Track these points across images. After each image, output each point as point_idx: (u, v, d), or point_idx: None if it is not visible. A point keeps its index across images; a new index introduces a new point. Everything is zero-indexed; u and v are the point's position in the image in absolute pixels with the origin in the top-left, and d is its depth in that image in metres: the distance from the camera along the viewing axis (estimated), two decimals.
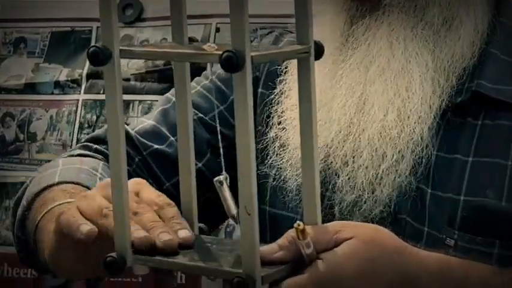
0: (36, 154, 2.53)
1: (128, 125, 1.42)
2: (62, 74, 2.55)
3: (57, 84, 2.55)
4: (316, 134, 0.96)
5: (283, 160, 1.35)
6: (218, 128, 1.15)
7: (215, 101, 1.45)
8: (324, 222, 1.18)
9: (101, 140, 1.47)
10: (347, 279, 0.96)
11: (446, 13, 1.31)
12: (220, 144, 1.18)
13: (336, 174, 1.29)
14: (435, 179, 1.28)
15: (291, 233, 0.95)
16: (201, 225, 1.08)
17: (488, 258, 1.22)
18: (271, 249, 0.95)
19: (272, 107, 1.43)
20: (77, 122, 2.51)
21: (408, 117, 1.27)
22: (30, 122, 2.55)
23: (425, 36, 1.31)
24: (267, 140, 1.41)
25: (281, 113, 1.39)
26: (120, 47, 0.93)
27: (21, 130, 2.56)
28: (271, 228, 1.36)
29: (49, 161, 2.48)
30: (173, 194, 1.22)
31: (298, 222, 0.94)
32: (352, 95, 1.30)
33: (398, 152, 1.27)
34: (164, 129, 1.44)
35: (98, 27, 2.55)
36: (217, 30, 2.46)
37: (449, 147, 1.28)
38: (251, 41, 2.51)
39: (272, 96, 1.44)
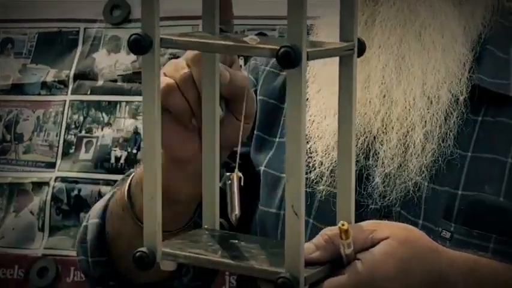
0: (23, 155, 2.50)
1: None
2: (49, 74, 2.52)
3: (44, 85, 2.51)
4: (354, 133, 0.95)
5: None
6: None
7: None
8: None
9: None
10: (385, 279, 0.95)
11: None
12: (239, 144, 1.17)
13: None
14: (432, 173, 1.28)
15: (327, 231, 0.95)
16: (221, 220, 1.06)
17: (484, 252, 1.22)
18: (307, 248, 0.93)
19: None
20: (64, 122, 2.47)
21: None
22: (17, 123, 2.52)
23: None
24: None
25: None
26: (161, 36, 0.90)
27: (7, 131, 2.53)
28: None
29: (36, 161, 2.49)
30: None
31: (342, 222, 0.93)
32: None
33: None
34: None
35: (85, 28, 2.53)
36: None
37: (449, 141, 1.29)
38: None
39: (273, 102, 1.45)
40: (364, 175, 1.28)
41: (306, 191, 1.29)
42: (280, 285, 0.86)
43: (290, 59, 0.81)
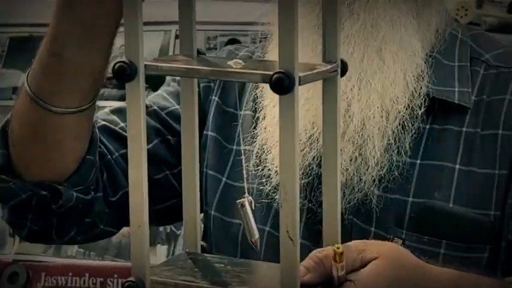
0: None
1: None
2: (21, 79, 2.52)
3: (15, 90, 2.51)
4: (339, 152, 0.93)
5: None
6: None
7: (173, 101, 1.44)
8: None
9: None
10: None
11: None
12: (243, 163, 1.22)
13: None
14: (385, 182, 1.28)
15: (317, 254, 0.94)
16: (202, 243, 1.05)
17: (434, 257, 1.22)
18: None
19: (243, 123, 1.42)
20: None
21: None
22: None
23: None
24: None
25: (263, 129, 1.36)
26: (146, 63, 0.87)
27: None
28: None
29: None
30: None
31: (337, 245, 0.92)
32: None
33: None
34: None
35: None
36: (177, 36, 2.45)
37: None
38: (215, 49, 2.47)
39: (230, 110, 1.44)
40: (316, 184, 1.27)
41: (263, 201, 1.31)
42: None
43: (283, 86, 0.79)
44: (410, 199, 1.28)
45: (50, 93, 1.22)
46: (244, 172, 1.32)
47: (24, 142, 1.26)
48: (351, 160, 1.26)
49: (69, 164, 1.27)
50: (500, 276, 1.21)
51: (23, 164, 1.27)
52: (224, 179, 1.41)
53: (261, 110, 1.36)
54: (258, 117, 1.39)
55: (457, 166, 1.29)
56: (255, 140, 1.38)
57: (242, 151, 1.38)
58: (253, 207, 1.01)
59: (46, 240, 1.40)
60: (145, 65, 0.87)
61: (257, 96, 1.40)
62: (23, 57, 2.55)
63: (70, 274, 2.39)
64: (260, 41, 2.17)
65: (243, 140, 1.40)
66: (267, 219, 1.33)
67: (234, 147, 1.42)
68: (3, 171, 1.27)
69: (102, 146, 1.36)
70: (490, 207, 1.27)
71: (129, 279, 0.89)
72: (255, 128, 1.40)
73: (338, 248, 0.91)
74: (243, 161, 1.35)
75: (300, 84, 0.81)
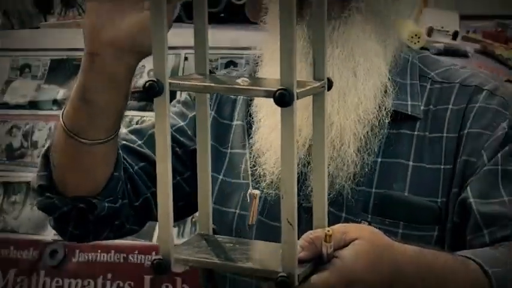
0: (37, 158, 2.45)
1: None
2: (59, 93, 2.51)
3: (55, 102, 2.51)
4: (326, 157, 0.93)
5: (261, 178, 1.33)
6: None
7: (179, 120, 1.43)
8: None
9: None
10: (360, 272, 0.94)
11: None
12: (248, 163, 1.21)
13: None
14: (356, 176, 1.27)
15: (310, 235, 0.92)
16: (213, 226, 1.02)
17: (394, 236, 1.21)
18: None
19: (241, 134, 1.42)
20: None
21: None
22: (33, 133, 2.50)
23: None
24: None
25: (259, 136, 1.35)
26: (170, 80, 0.86)
27: (25, 139, 2.51)
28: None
29: None
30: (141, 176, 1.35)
31: (327, 228, 0.92)
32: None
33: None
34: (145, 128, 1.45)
35: None
36: (186, 59, 2.45)
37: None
38: (216, 69, 2.42)
39: (224, 122, 1.44)
40: (302, 179, 1.26)
41: (260, 195, 1.28)
42: (280, 283, 0.85)
43: (285, 100, 0.79)
44: (374, 190, 1.28)
45: (81, 129, 1.21)
46: (249, 171, 1.34)
47: (63, 167, 1.26)
48: (331, 159, 1.25)
49: (100, 182, 1.27)
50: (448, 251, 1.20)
51: (63, 183, 1.27)
52: (221, 177, 1.40)
53: (257, 121, 1.35)
54: (248, 127, 1.39)
55: (410, 163, 1.29)
56: (249, 144, 1.37)
57: (235, 154, 1.40)
58: (259, 199, 1.01)
59: (85, 240, 1.40)
60: (170, 83, 0.86)
61: (247, 110, 1.40)
62: (61, 75, 2.55)
63: (99, 251, 2.37)
64: (248, 63, 2.16)
65: (236, 145, 1.41)
66: (264, 210, 1.32)
67: (228, 150, 1.42)
68: (47, 190, 1.28)
69: (125, 162, 1.35)
70: (437, 195, 1.27)
71: (157, 256, 0.89)
72: (245, 134, 1.40)
73: (328, 231, 0.91)
74: (244, 161, 1.37)
75: (297, 99, 0.81)
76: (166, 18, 0.86)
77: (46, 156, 1.28)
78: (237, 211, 1.36)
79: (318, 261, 0.93)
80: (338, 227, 0.97)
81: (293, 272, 0.86)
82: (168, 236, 0.90)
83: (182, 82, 0.90)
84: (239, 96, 1.44)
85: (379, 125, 1.28)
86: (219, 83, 0.91)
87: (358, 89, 1.27)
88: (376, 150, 1.28)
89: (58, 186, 1.27)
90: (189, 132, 1.42)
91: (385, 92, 1.29)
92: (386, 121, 1.28)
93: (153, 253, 2.28)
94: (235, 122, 1.43)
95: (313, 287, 0.91)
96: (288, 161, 0.84)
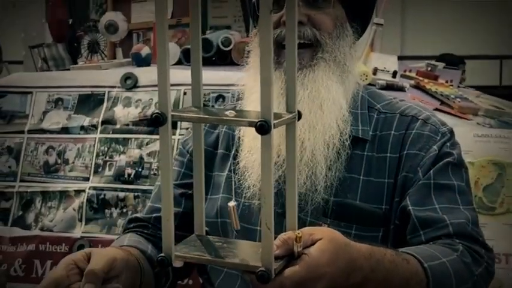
0: (68, 172, 2.48)
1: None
2: (86, 121, 2.49)
3: (82, 127, 2.49)
4: (297, 173, 0.92)
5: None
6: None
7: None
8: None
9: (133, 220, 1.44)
10: (324, 265, 0.93)
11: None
12: (233, 180, 1.16)
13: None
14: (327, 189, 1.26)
15: (283, 236, 0.92)
16: (206, 228, 1.00)
17: (348, 236, 1.22)
18: None
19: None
20: (95, 152, 2.45)
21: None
22: (64, 152, 2.49)
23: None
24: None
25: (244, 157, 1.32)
26: (172, 113, 0.85)
27: (58, 157, 2.50)
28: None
29: (76, 177, 2.45)
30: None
31: (298, 231, 0.92)
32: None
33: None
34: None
35: (108, 92, 2.51)
36: (185, 93, 2.41)
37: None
38: (209, 101, 2.39)
39: (210, 149, 1.41)
40: (279, 193, 1.22)
41: (245, 204, 1.28)
42: (260, 276, 0.85)
43: (264, 129, 0.79)
44: (332, 198, 1.25)
45: None
46: (233, 186, 1.31)
47: None
48: (307, 178, 1.23)
49: None
50: None
51: None
52: (208, 197, 1.37)
53: (242, 145, 1.32)
54: (229, 154, 1.37)
55: (361, 177, 1.27)
56: (233, 165, 1.35)
57: (218, 175, 1.37)
58: (237, 208, 1.02)
59: None
60: (172, 115, 0.85)
61: (230, 141, 1.39)
62: (87, 107, 2.53)
63: None
64: (233, 97, 2.17)
65: (218, 168, 1.39)
66: (245, 216, 1.31)
67: (213, 173, 1.39)
68: None
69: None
70: (382, 203, 1.26)
71: (161, 255, 0.88)
72: (227, 160, 1.38)
73: (299, 233, 0.92)
74: (225, 179, 1.35)
75: (274, 128, 0.80)
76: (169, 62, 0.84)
77: None
78: (219, 219, 1.34)
79: (290, 257, 0.93)
80: (306, 230, 0.96)
81: (270, 267, 0.85)
82: (170, 238, 0.89)
83: (181, 114, 0.89)
84: (222, 129, 1.42)
85: (342, 147, 1.26)
86: (211, 115, 0.90)
87: (324, 120, 1.25)
88: (341, 167, 1.26)
89: None
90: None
91: (347, 121, 1.27)
92: (347, 143, 1.26)
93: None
94: (219, 151, 1.40)
95: (286, 278, 0.90)
96: (266, 177, 0.82)
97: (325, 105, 1.25)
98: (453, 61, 4.75)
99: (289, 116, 0.88)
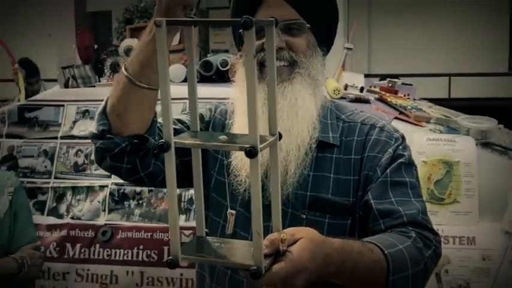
0: (94, 171, 2.46)
1: None
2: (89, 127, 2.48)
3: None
4: (279, 186, 0.90)
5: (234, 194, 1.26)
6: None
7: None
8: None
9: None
10: (304, 261, 0.92)
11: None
12: (227, 187, 1.12)
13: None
14: (297, 184, 1.24)
15: (270, 237, 0.90)
16: (206, 230, 0.98)
17: (322, 224, 1.21)
18: None
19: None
20: None
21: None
22: (91, 154, 2.45)
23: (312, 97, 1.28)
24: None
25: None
26: (175, 140, 0.84)
27: (86, 158, 2.47)
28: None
29: (101, 175, 2.42)
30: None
31: (282, 233, 0.90)
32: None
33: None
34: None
35: None
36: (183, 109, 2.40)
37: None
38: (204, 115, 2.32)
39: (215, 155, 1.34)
40: (266, 186, 1.19)
41: (241, 210, 1.23)
42: (253, 273, 0.84)
43: (252, 154, 0.77)
44: (309, 193, 1.24)
45: (140, 76, 1.16)
46: (228, 194, 1.27)
47: (121, 111, 1.18)
48: (280, 174, 1.21)
49: (146, 123, 1.20)
50: (358, 237, 1.19)
51: (120, 125, 1.19)
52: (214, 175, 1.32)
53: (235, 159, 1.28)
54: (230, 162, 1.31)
55: (332, 175, 1.26)
56: (232, 171, 1.29)
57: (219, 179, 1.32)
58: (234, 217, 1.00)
59: (136, 173, 1.27)
60: (174, 142, 0.84)
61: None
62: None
63: (134, 230, 2.33)
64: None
65: (220, 173, 1.32)
66: (241, 222, 1.26)
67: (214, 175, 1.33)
68: (107, 133, 1.20)
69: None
70: (349, 196, 1.24)
71: (170, 257, 0.87)
72: (224, 168, 1.31)
73: (283, 236, 0.90)
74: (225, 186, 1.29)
75: (260, 151, 0.79)
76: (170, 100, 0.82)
77: (103, 111, 1.21)
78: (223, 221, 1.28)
79: (276, 255, 0.91)
80: (289, 230, 0.94)
81: (261, 266, 0.84)
82: (176, 243, 0.87)
83: (182, 141, 0.86)
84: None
85: (309, 149, 1.24)
86: (207, 141, 0.88)
87: (298, 125, 1.24)
88: (309, 166, 1.25)
89: (115, 129, 1.19)
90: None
91: (316, 128, 1.26)
92: (314, 146, 1.25)
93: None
94: (220, 157, 1.34)
95: (274, 274, 0.89)
96: (255, 193, 0.81)
97: (300, 113, 1.24)
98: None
99: (272, 138, 0.86)
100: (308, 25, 1.26)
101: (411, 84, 3.20)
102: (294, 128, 1.23)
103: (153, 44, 1.10)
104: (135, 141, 1.20)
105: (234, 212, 0.99)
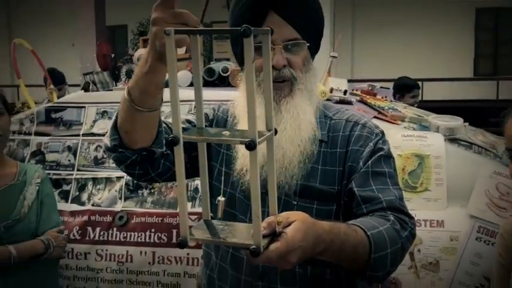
0: (111, 164, 2.44)
1: None
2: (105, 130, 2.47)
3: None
4: (275, 175, 0.88)
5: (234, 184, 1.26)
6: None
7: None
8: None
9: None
10: (297, 241, 0.91)
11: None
12: (222, 180, 1.09)
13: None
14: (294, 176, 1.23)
15: (268, 220, 0.89)
16: (211, 214, 0.97)
17: (311, 209, 1.19)
18: None
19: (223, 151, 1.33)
20: None
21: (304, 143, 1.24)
22: None
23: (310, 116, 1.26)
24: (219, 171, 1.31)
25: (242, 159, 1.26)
26: (183, 136, 0.82)
27: (105, 153, 2.46)
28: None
29: (117, 167, 2.42)
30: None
31: (279, 217, 0.89)
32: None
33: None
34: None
35: None
36: (195, 107, 2.38)
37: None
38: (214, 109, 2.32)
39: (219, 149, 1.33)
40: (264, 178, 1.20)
41: (240, 196, 1.23)
42: (252, 252, 0.83)
43: (251, 147, 0.76)
44: (299, 182, 1.23)
45: (141, 101, 1.11)
46: (223, 181, 1.26)
47: (128, 129, 1.16)
48: (286, 177, 1.21)
49: (153, 135, 1.18)
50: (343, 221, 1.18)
51: (128, 141, 1.17)
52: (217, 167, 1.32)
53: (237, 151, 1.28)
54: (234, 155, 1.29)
55: (320, 166, 1.25)
56: (234, 162, 1.28)
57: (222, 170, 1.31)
58: (224, 203, 0.99)
59: (147, 175, 1.25)
60: (183, 137, 0.83)
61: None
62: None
63: (146, 216, 2.32)
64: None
65: (222, 164, 1.32)
66: (240, 207, 1.27)
67: (217, 165, 1.33)
68: (120, 147, 1.18)
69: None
70: (335, 185, 1.24)
71: (180, 238, 0.85)
72: (226, 161, 1.31)
73: (279, 219, 0.90)
74: (221, 175, 1.28)
75: (258, 145, 0.78)
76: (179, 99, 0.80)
77: (115, 127, 1.18)
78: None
79: (273, 235, 0.90)
80: (284, 214, 0.93)
81: (259, 245, 0.83)
82: (186, 225, 0.86)
83: (189, 136, 0.85)
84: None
85: (310, 151, 1.24)
86: (212, 136, 0.87)
87: (301, 136, 1.23)
88: (306, 161, 1.23)
89: (126, 144, 1.17)
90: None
91: (314, 129, 1.25)
92: (314, 146, 1.24)
93: (177, 218, 2.21)
94: (222, 150, 1.33)
95: (271, 252, 0.88)
96: (254, 182, 0.80)
97: (303, 125, 1.23)
98: (408, 84, 4.27)
99: (269, 133, 0.86)
100: (308, 44, 1.25)
101: (388, 88, 3.20)
102: (297, 138, 1.23)
103: (150, 75, 1.07)
104: (144, 153, 1.19)
105: (223, 198, 0.98)
